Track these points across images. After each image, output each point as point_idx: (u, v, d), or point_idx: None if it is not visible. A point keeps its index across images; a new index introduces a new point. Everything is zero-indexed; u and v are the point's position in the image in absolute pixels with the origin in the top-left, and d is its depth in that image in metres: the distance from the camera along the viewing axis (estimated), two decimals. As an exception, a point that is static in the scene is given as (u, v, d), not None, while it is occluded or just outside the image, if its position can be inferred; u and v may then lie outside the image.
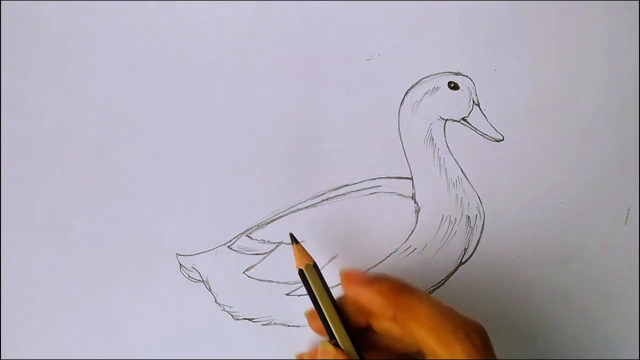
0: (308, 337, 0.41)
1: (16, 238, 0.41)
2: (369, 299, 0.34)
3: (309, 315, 0.37)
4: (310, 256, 0.36)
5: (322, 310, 0.35)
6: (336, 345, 0.34)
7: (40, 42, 0.41)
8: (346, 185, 0.41)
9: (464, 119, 0.41)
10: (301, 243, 0.38)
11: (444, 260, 0.41)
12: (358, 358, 0.34)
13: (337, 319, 0.35)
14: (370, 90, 0.41)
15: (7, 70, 0.41)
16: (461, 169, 0.41)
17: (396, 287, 0.33)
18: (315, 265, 0.36)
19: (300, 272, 0.36)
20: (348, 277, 0.35)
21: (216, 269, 0.41)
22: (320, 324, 0.35)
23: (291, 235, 0.38)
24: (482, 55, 0.41)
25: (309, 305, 0.36)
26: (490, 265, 0.42)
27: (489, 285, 0.42)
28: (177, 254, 0.41)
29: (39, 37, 0.41)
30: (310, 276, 0.35)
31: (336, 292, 0.37)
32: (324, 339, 0.35)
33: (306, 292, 0.36)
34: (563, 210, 0.42)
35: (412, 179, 0.41)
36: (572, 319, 0.42)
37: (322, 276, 0.36)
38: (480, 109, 0.41)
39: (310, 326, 0.37)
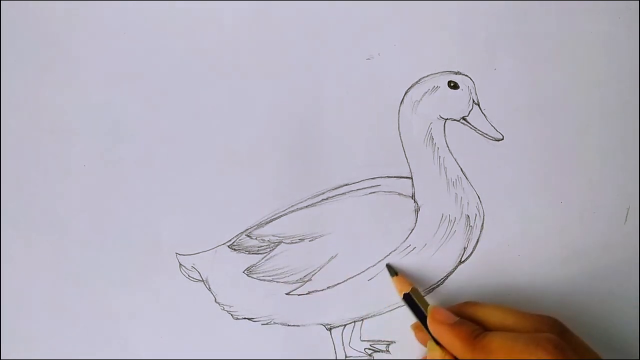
0: (308, 336, 0.41)
1: (16, 238, 0.41)
2: (449, 340, 0.36)
3: (415, 328, 0.40)
4: (410, 282, 0.40)
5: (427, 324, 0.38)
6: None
7: (40, 42, 0.41)
8: (346, 185, 0.41)
9: (463, 118, 0.41)
10: (303, 243, 0.40)
11: (443, 259, 0.41)
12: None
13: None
14: (370, 90, 0.41)
15: (7, 70, 0.41)
16: (461, 169, 0.41)
17: (474, 333, 0.35)
18: (416, 289, 0.40)
19: (406, 296, 0.39)
20: (434, 315, 0.37)
21: (216, 269, 0.41)
22: (424, 335, 0.39)
23: (388, 266, 0.41)
24: (482, 55, 0.41)
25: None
26: (490, 265, 0.41)
27: (489, 285, 0.42)
28: (177, 253, 0.41)
29: (39, 37, 0.41)
30: (417, 297, 0.39)
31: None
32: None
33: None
34: (563, 210, 0.42)
35: (411, 178, 0.41)
36: (571, 319, 0.42)
37: (422, 297, 0.40)
38: (480, 109, 0.41)
39: (416, 337, 0.40)
